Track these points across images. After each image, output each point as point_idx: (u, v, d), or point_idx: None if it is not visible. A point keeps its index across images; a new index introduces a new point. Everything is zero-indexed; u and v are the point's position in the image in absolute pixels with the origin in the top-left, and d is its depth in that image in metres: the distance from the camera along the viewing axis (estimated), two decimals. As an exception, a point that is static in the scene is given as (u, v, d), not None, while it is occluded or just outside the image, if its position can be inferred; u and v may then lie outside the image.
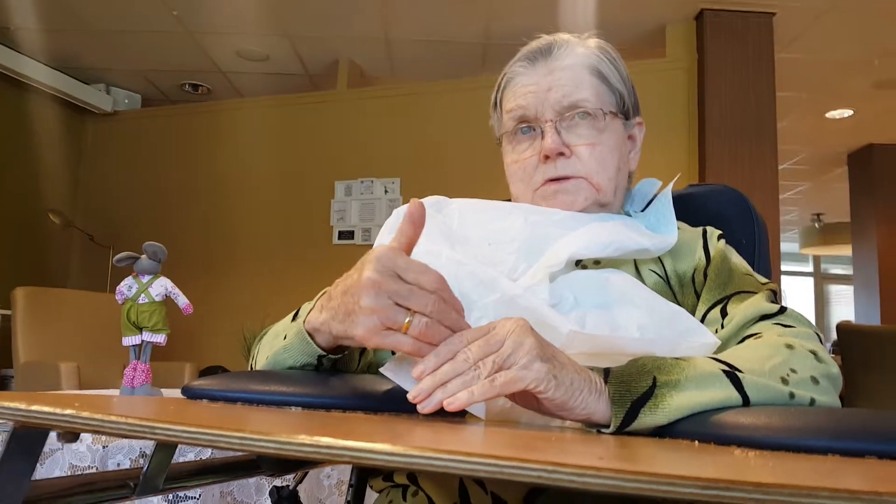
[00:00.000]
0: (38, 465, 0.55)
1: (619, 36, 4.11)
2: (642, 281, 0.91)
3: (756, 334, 0.79)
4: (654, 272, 0.94)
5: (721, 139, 3.84)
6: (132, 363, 1.36)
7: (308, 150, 4.71)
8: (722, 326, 0.85)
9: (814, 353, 0.74)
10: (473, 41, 4.43)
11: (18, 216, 4.73)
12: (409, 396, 0.63)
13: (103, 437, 1.37)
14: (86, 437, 1.36)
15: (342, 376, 0.80)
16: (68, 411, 0.45)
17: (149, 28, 4.36)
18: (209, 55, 4.74)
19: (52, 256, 4.96)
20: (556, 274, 0.85)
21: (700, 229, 0.99)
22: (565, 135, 0.97)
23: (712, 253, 0.94)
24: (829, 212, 8.11)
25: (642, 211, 1.04)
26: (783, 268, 4.39)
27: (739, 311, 0.83)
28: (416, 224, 0.73)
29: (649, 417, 0.63)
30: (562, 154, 0.96)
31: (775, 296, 0.87)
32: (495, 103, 1.07)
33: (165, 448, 0.69)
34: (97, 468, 1.29)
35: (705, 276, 0.92)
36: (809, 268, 10.10)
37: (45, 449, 1.29)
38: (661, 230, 0.96)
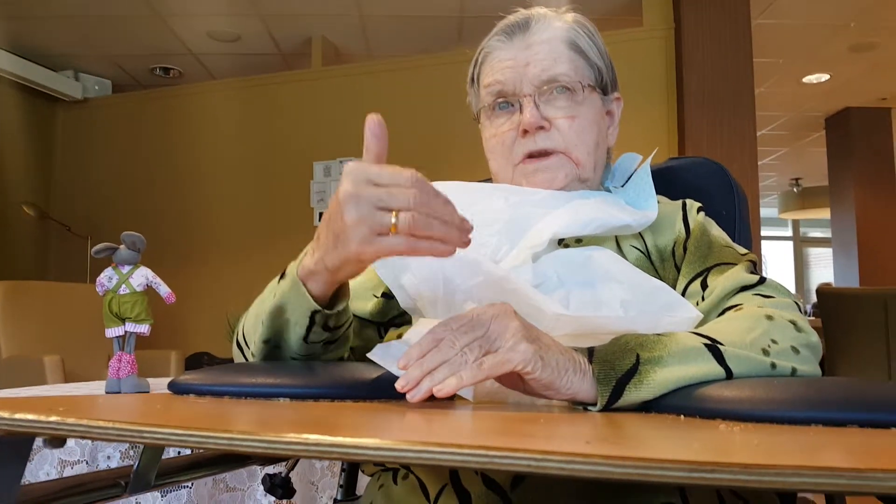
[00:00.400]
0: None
1: (595, 5, 4.08)
2: (624, 257, 0.91)
3: (736, 306, 0.80)
4: (636, 248, 0.94)
5: (700, 108, 3.85)
6: (117, 354, 1.35)
7: (285, 132, 4.67)
8: (703, 299, 0.85)
9: (793, 322, 0.74)
10: (448, 15, 4.39)
11: (-9, 210, 4.66)
12: (398, 386, 0.63)
13: (91, 431, 1.36)
14: (73, 432, 1.35)
15: (329, 365, 0.80)
16: (53, 418, 0.45)
17: (116, 12, 4.27)
18: (179, 37, 4.66)
19: (29, 249, 4.89)
20: (539, 254, 0.86)
21: (679, 202, 1.00)
22: (544, 108, 0.96)
23: (692, 226, 0.95)
24: (807, 176, 8.18)
25: (622, 186, 1.04)
26: (763, 233, 4.43)
27: (720, 283, 0.84)
28: (379, 136, 0.73)
29: (634, 394, 0.64)
30: (541, 128, 0.96)
31: (755, 266, 0.88)
32: (472, 79, 1.06)
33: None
34: (87, 462, 1.29)
35: (685, 249, 0.93)
36: (789, 232, 10.20)
37: (33, 445, 1.28)
38: (641, 205, 0.96)
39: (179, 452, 1.15)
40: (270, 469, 1.10)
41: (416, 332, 0.81)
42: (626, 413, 0.64)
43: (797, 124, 6.56)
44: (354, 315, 0.95)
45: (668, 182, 1.13)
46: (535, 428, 0.53)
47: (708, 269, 0.88)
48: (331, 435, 0.40)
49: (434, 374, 0.63)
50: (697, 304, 0.85)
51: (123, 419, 0.47)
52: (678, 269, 0.92)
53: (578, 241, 0.93)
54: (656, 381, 0.64)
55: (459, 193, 0.95)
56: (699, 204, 1.00)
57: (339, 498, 1.08)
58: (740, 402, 0.59)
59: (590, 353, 0.66)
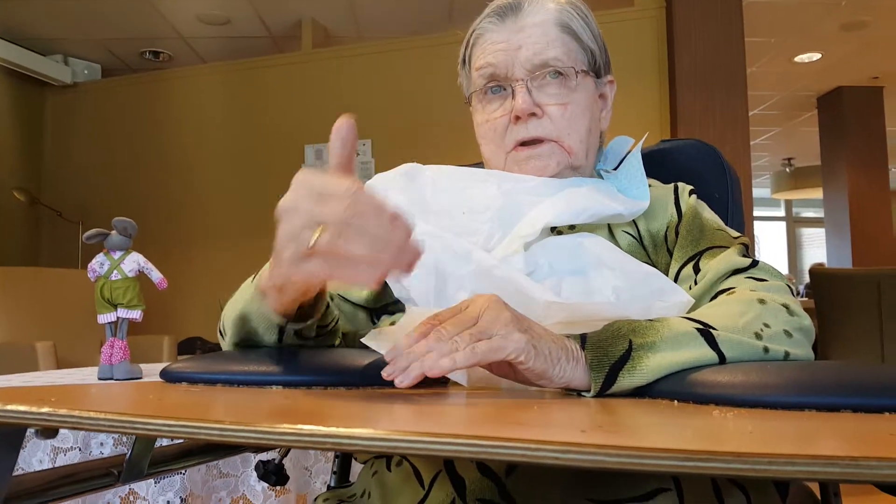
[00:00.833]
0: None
1: (586, -14, 4.05)
2: (616, 243, 0.91)
3: (729, 289, 0.80)
4: (628, 233, 0.94)
5: (692, 88, 3.84)
6: (109, 340, 1.35)
7: (275, 115, 4.64)
8: (695, 282, 0.85)
9: (786, 306, 0.74)
10: (439, -5, 4.36)
11: (-19, 196, 4.63)
12: (384, 374, 0.61)
13: (85, 418, 1.36)
14: (67, 419, 1.35)
15: (321, 352, 0.80)
16: (45, 409, 0.45)
17: (105, -5, 4.24)
18: (169, 21, 4.62)
19: (20, 235, 4.87)
20: (531, 242, 0.85)
21: (671, 186, 0.99)
22: (536, 94, 0.96)
23: (684, 209, 0.95)
24: (799, 156, 8.19)
25: (614, 169, 1.04)
26: (755, 213, 4.45)
27: (712, 266, 0.84)
28: (346, 141, 0.65)
29: (627, 380, 0.64)
30: (533, 114, 0.95)
31: (747, 249, 0.88)
32: (464, 60, 1.05)
33: (147, 433, 0.68)
34: (80, 449, 1.29)
35: (677, 233, 0.93)
36: (781, 212, 10.23)
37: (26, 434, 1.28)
38: (632, 192, 0.96)
39: (172, 440, 1.15)
40: (264, 456, 1.11)
41: (409, 320, 0.81)
42: (620, 399, 0.64)
43: (789, 104, 6.56)
44: (347, 300, 0.95)
45: (660, 164, 1.12)
46: (529, 415, 0.53)
47: (700, 253, 0.88)
48: (324, 425, 0.40)
49: (424, 359, 0.61)
50: (690, 287, 0.85)
51: (115, 409, 0.46)
52: (671, 254, 0.92)
53: (571, 228, 0.93)
54: (649, 366, 0.64)
55: (453, 179, 0.95)
56: (691, 187, 0.99)
57: (332, 485, 1.08)
58: (733, 388, 0.59)
59: (582, 339, 0.66)
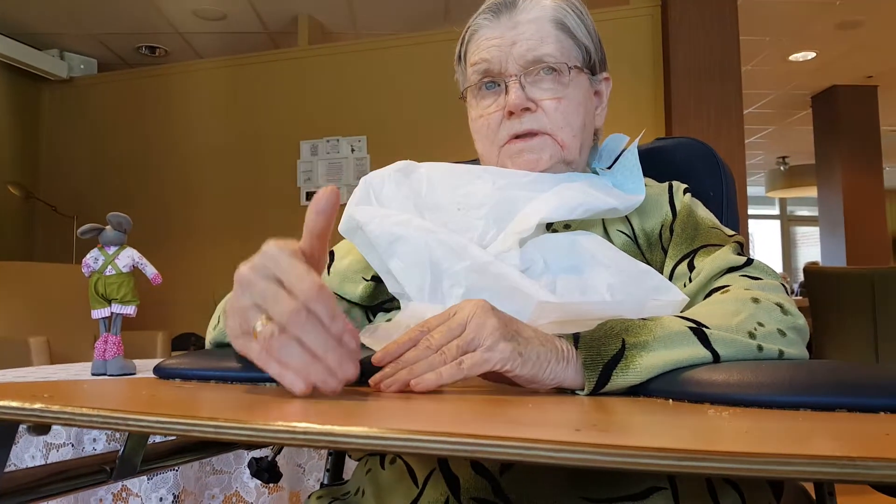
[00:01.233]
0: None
1: (582, -16, 4.05)
2: (611, 241, 0.91)
3: (723, 287, 0.80)
4: (622, 232, 0.94)
5: (687, 86, 3.85)
6: (103, 336, 1.35)
7: (271, 111, 4.63)
8: (690, 280, 0.85)
9: (780, 305, 0.74)
10: (435, -8, 4.36)
11: (-24, 190, 4.61)
12: (371, 382, 0.63)
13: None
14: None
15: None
16: (38, 405, 0.44)
17: (101, -11, 4.22)
18: (165, 16, 4.61)
19: (15, 230, 4.85)
20: (526, 239, 0.85)
21: (666, 184, 0.99)
22: (530, 90, 0.95)
23: (678, 207, 0.95)
24: (793, 154, 8.21)
25: (609, 167, 1.04)
26: (750, 211, 4.46)
27: (706, 264, 0.84)
28: (323, 213, 0.64)
29: (621, 379, 0.64)
30: (527, 109, 0.95)
31: (742, 248, 0.88)
32: (459, 56, 1.05)
33: (140, 429, 0.68)
34: (72, 445, 1.28)
35: (671, 231, 0.93)
36: (776, 210, 10.25)
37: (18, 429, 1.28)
38: (628, 188, 0.96)
39: (165, 437, 1.15)
40: (257, 453, 1.10)
41: (405, 317, 0.81)
42: (615, 397, 0.64)
43: (784, 102, 6.57)
44: (343, 298, 0.95)
45: (655, 162, 1.12)
46: (524, 413, 0.53)
47: (695, 251, 0.88)
48: (319, 423, 0.40)
49: (413, 368, 0.62)
50: (684, 285, 0.85)
51: (108, 406, 0.46)
52: (665, 252, 0.92)
53: (567, 227, 0.93)
54: (643, 365, 0.64)
55: (448, 175, 0.95)
56: (685, 185, 0.99)
57: (325, 482, 1.08)
58: (728, 387, 0.59)
59: (575, 338, 0.66)
